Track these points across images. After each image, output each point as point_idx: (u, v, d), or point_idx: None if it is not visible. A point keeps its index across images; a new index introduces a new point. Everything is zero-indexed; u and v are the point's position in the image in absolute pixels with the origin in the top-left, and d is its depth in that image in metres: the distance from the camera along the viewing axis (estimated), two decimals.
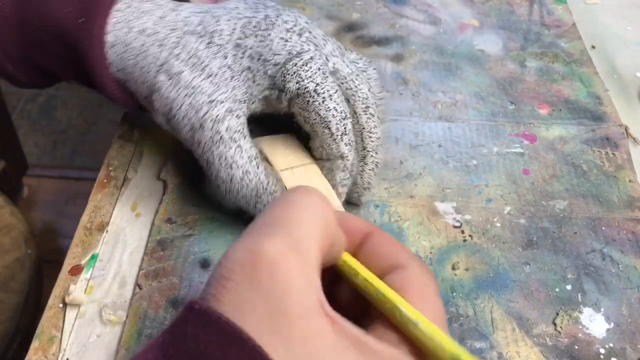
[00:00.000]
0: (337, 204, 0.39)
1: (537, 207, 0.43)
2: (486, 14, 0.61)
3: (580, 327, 0.37)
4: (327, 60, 0.39)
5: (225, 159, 0.37)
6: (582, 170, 0.46)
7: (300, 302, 0.22)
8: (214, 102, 0.38)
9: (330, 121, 0.38)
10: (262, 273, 0.21)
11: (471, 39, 0.58)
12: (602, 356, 0.36)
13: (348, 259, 0.27)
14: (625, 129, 0.49)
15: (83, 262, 0.40)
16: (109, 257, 0.40)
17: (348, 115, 0.39)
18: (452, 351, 0.24)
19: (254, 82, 0.39)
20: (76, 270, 0.39)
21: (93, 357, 0.35)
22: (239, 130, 0.38)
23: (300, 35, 0.39)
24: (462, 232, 0.42)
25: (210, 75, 0.38)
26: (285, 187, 0.39)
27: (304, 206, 0.25)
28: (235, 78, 0.38)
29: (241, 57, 0.39)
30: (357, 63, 0.43)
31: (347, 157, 0.39)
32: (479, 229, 0.42)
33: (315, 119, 0.38)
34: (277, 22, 0.39)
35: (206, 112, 0.37)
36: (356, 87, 0.40)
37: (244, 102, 0.39)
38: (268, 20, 0.39)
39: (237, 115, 0.38)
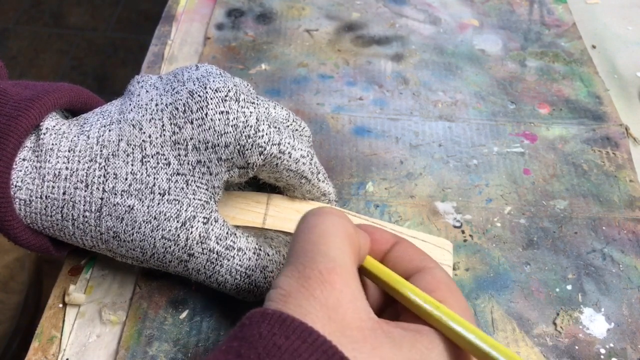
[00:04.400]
0: (332, 196, 0.39)
1: (538, 207, 0.43)
2: (486, 13, 0.61)
3: (580, 327, 0.37)
4: (267, 109, 0.36)
5: (236, 271, 0.34)
6: (582, 169, 0.46)
7: (351, 309, 0.25)
8: (186, 222, 0.33)
9: (303, 170, 0.36)
10: (316, 290, 0.25)
11: (471, 39, 0.58)
12: (602, 356, 0.36)
13: (372, 263, 0.30)
14: (626, 129, 0.49)
15: (83, 262, 0.40)
16: (108, 257, 0.40)
17: (312, 152, 0.37)
18: (479, 335, 0.27)
19: (210, 174, 0.33)
20: (76, 271, 0.39)
21: (93, 357, 0.35)
22: (227, 233, 0.34)
23: (237, 100, 0.33)
24: (463, 232, 0.42)
25: (164, 194, 0.33)
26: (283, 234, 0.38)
27: (326, 226, 0.27)
28: (190, 182, 0.33)
29: (185, 155, 0.33)
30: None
31: (329, 193, 0.39)
32: (479, 229, 0.42)
33: (288, 174, 0.36)
34: (208, 94, 0.33)
35: (187, 239, 0.33)
36: (299, 124, 0.39)
37: (211, 199, 0.34)
38: (196, 97, 0.33)
39: (215, 219, 0.34)
